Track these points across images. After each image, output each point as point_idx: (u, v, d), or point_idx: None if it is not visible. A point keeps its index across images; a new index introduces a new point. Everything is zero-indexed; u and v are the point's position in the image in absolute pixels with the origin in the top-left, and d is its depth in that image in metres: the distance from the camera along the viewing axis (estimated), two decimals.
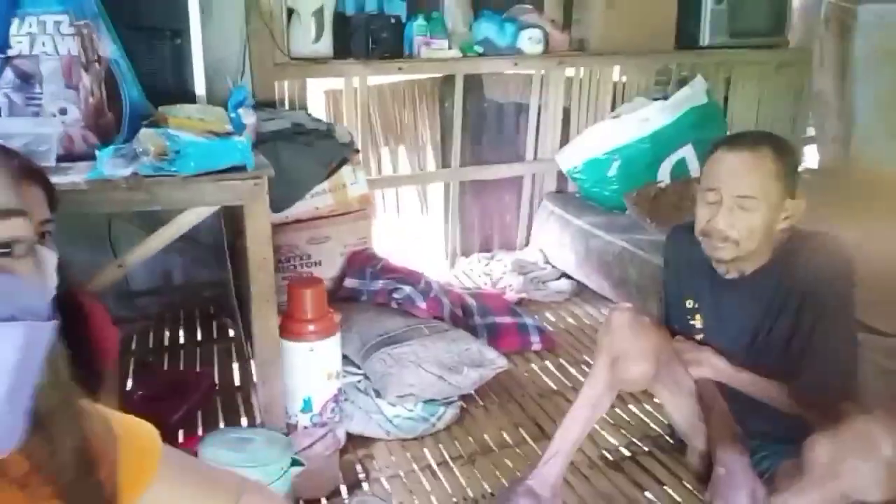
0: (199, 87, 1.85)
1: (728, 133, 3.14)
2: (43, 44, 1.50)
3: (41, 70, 1.51)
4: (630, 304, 1.65)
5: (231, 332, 2.52)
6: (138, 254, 1.50)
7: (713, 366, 1.64)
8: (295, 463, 1.32)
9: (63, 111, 1.50)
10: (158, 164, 1.45)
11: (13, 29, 1.49)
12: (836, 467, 1.28)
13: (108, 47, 1.53)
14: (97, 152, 1.40)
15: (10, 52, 1.49)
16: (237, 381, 2.22)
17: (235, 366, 2.30)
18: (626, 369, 1.54)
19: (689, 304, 1.67)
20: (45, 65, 1.51)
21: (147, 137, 1.47)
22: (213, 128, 1.61)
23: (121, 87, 1.57)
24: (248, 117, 1.73)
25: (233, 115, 1.69)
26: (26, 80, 1.50)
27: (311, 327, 1.74)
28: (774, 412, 1.60)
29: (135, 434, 0.72)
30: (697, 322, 1.67)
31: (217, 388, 2.15)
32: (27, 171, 0.55)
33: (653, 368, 1.55)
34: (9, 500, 0.59)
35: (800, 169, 1.56)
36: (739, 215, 1.47)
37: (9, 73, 1.49)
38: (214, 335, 2.52)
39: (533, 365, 2.39)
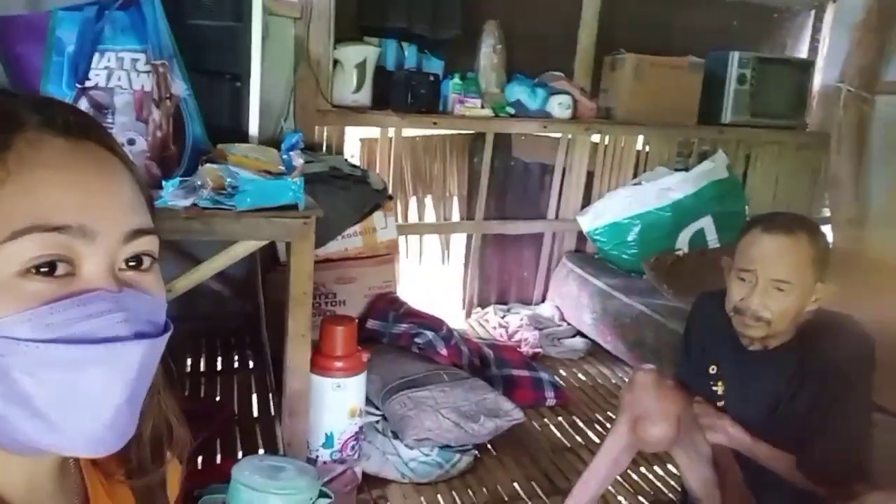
0: (253, 129, 1.95)
1: (746, 207, 3.24)
2: (119, 78, 1.60)
3: (115, 102, 1.60)
4: (654, 366, 1.70)
5: (251, 364, 2.56)
6: (188, 280, 1.56)
7: (731, 434, 1.67)
8: (322, 495, 1.36)
9: (132, 142, 1.59)
10: (217, 197, 1.53)
11: (93, 62, 1.59)
12: None
13: (180, 86, 1.63)
14: (163, 182, 1.48)
15: (88, 84, 1.59)
16: (255, 413, 2.26)
17: (255, 398, 2.34)
18: (648, 430, 1.58)
19: (713, 370, 1.71)
20: (118, 97, 1.60)
21: (208, 172, 1.56)
22: (268, 167, 1.69)
23: (186, 123, 1.66)
24: (298, 159, 1.82)
25: (285, 156, 1.78)
26: (100, 109, 1.59)
27: (339, 364, 1.79)
28: (787, 486, 1.63)
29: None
30: (719, 388, 1.71)
31: (237, 418, 2.19)
32: (146, 186, 0.61)
33: (674, 431, 1.58)
34: (91, 476, 0.64)
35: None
36: (774, 297, 1.51)
37: (84, 103, 1.59)
38: (235, 366, 2.56)
39: (546, 420, 2.42)
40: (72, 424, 0.51)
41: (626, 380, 2.73)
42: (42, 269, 0.50)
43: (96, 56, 1.60)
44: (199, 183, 1.56)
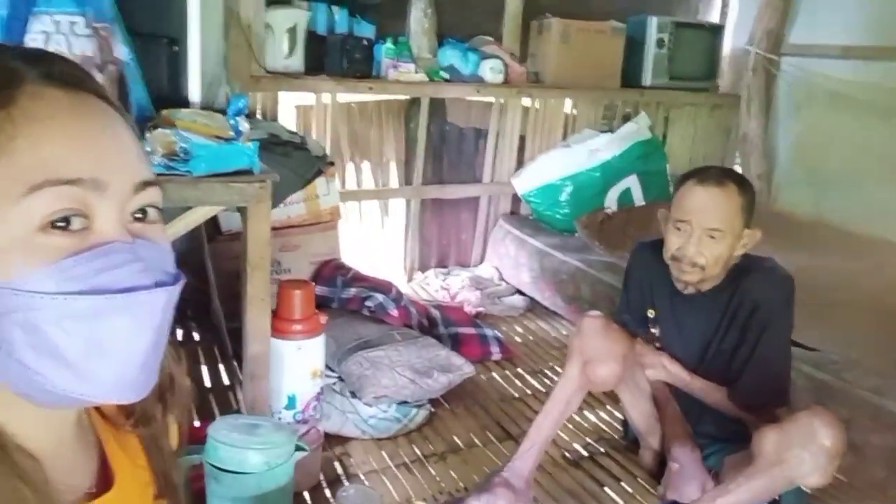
0: (194, 94, 1.91)
1: (667, 166, 3.43)
2: (58, 42, 1.54)
3: None
4: (600, 313, 1.82)
5: (196, 336, 2.54)
6: None
7: (668, 370, 1.82)
8: (298, 448, 1.40)
9: None
10: (170, 163, 1.52)
11: (28, 27, 1.53)
12: (781, 455, 1.48)
13: (122, 50, 1.59)
14: None
15: None
16: (207, 383, 2.26)
17: (204, 368, 2.33)
18: (596, 370, 1.70)
19: (651, 314, 1.85)
20: None
21: (158, 137, 1.54)
22: (218, 132, 1.68)
23: (130, 89, 1.62)
24: (245, 124, 1.81)
25: (232, 121, 1.76)
26: None
27: (299, 326, 1.81)
28: (720, 415, 1.79)
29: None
30: (657, 331, 1.85)
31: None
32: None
33: (620, 370, 1.72)
34: (102, 428, 0.66)
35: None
36: (707, 244, 1.65)
37: None
38: (179, 338, 2.53)
39: (493, 373, 2.53)
40: (103, 373, 0.52)
41: (565, 332, 2.88)
42: (59, 224, 0.50)
43: (30, 20, 1.53)
44: (148, 149, 1.53)
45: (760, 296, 1.69)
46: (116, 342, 0.52)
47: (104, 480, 0.63)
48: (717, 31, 3.70)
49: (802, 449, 1.45)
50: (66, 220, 0.50)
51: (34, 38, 1.53)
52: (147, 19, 1.87)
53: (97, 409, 0.67)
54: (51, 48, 1.55)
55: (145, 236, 0.56)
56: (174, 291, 0.56)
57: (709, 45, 3.64)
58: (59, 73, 0.53)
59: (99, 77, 1.56)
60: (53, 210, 0.50)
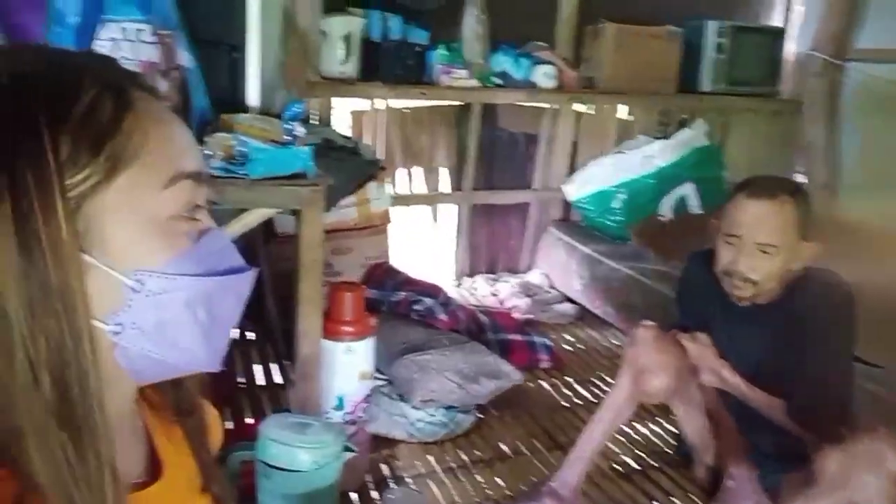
0: (253, 99, 1.97)
1: (725, 174, 3.34)
2: (124, 49, 1.60)
3: None
4: (653, 323, 1.78)
5: (250, 335, 2.59)
6: None
7: (728, 380, 1.75)
8: (347, 449, 1.41)
9: None
10: (228, 166, 1.55)
11: (97, 34, 1.59)
12: (845, 478, 1.41)
13: (186, 57, 1.64)
14: None
15: None
16: (260, 381, 2.30)
17: (258, 367, 2.38)
18: (649, 381, 1.66)
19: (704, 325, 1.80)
20: None
21: (218, 141, 1.58)
22: (274, 136, 1.72)
23: (192, 94, 1.67)
24: (300, 129, 1.84)
25: (288, 126, 1.80)
26: None
27: (349, 328, 1.83)
28: (777, 431, 1.73)
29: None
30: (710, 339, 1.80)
31: (244, 387, 2.22)
32: None
33: (673, 382, 1.67)
34: (150, 419, 0.69)
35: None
36: (760, 259, 1.59)
37: None
38: (235, 337, 2.59)
39: (541, 381, 2.50)
40: (212, 345, 0.59)
41: (615, 341, 2.83)
42: (185, 213, 0.56)
43: (98, 27, 1.60)
44: (208, 152, 1.58)
45: (817, 311, 1.63)
46: (223, 317, 0.59)
47: (153, 470, 0.65)
48: (778, 35, 3.59)
49: (868, 472, 1.39)
50: (194, 208, 0.57)
51: (102, 45, 1.60)
52: (209, 27, 1.93)
53: (145, 399, 0.69)
54: (118, 55, 1.61)
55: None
56: (253, 275, 0.61)
57: (770, 50, 3.53)
58: (140, 79, 0.58)
59: (162, 83, 1.62)
60: (187, 200, 0.56)
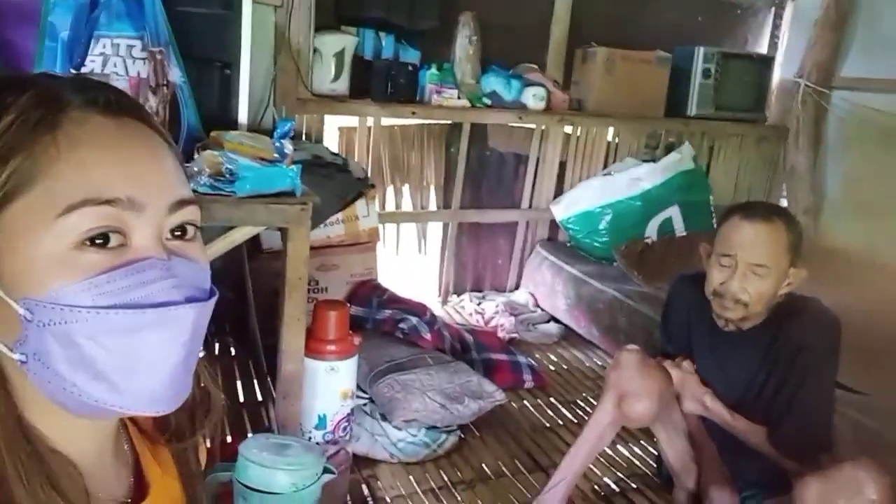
0: (242, 116, 1.97)
1: (710, 197, 3.38)
2: (115, 64, 1.61)
3: None
4: (637, 347, 1.79)
5: (233, 351, 2.58)
6: None
7: (710, 408, 1.77)
8: (326, 471, 1.40)
9: None
10: (216, 183, 1.56)
11: (89, 49, 1.59)
12: None
13: (176, 73, 1.65)
14: None
15: (84, 70, 1.59)
16: (241, 398, 2.29)
17: (239, 384, 2.36)
18: (632, 406, 1.67)
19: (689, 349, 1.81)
20: (114, 84, 1.61)
21: (206, 158, 1.58)
22: (262, 154, 1.72)
23: (182, 110, 1.68)
24: (289, 147, 1.85)
25: (277, 143, 1.81)
26: None
27: (332, 347, 1.83)
28: (759, 458, 1.74)
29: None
30: (694, 366, 1.81)
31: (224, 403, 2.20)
32: (182, 159, 0.64)
33: (656, 407, 1.68)
34: (138, 441, 0.68)
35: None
36: (752, 281, 1.61)
37: None
38: (216, 353, 2.57)
39: (525, 402, 2.50)
40: (134, 385, 0.54)
41: (599, 362, 2.84)
42: (97, 241, 0.53)
43: (92, 42, 1.60)
44: (196, 169, 1.58)
45: (805, 339, 1.64)
46: (147, 356, 0.54)
47: (139, 492, 0.65)
48: (765, 62, 3.65)
49: (847, 501, 1.40)
50: (105, 237, 0.53)
51: (93, 60, 1.60)
52: (201, 43, 1.93)
53: (134, 422, 0.69)
54: (108, 70, 1.62)
55: (182, 253, 0.58)
56: (206, 308, 0.57)
57: (757, 77, 3.59)
58: (105, 99, 0.56)
59: (152, 98, 1.62)
60: (89, 227, 0.52)
